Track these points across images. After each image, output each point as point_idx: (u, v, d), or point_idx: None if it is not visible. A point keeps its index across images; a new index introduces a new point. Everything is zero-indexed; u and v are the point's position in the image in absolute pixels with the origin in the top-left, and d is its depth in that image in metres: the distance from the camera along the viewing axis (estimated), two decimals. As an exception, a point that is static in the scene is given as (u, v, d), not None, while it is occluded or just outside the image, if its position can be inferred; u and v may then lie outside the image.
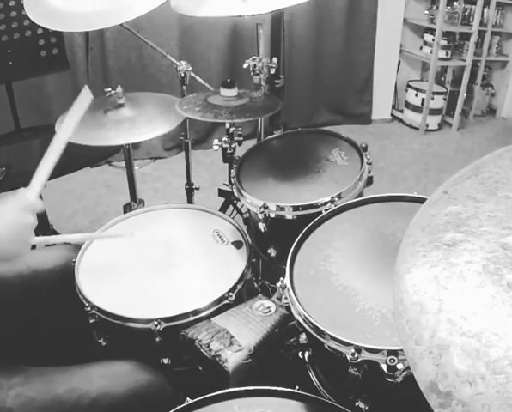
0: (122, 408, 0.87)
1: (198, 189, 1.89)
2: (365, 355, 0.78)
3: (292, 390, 0.79)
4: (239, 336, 0.93)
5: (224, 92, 1.39)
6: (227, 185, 1.54)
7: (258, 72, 1.48)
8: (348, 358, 0.78)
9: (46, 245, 1.26)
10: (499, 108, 4.11)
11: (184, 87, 1.62)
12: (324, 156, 1.38)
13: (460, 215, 0.50)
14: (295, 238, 1.05)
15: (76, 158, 1.80)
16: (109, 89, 1.56)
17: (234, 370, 0.88)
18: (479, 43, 3.76)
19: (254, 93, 1.45)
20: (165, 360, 1.03)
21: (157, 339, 0.99)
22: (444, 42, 3.62)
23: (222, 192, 1.90)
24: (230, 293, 1.04)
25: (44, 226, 1.75)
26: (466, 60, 3.65)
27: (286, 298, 0.94)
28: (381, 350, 0.77)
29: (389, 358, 0.75)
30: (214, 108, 1.33)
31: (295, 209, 1.18)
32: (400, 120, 3.98)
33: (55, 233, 1.86)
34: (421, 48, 3.88)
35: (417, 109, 3.81)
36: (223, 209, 1.88)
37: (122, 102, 1.47)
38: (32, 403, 0.82)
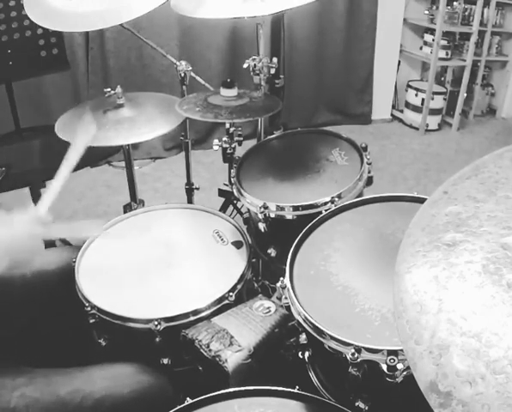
0: (124, 409, 0.88)
1: (198, 189, 1.89)
2: (365, 355, 0.78)
3: (292, 390, 0.79)
4: (239, 336, 0.93)
5: (224, 92, 1.39)
6: (227, 185, 1.54)
7: (258, 72, 1.48)
8: (348, 358, 0.78)
9: (46, 246, 1.26)
10: (499, 108, 4.11)
11: (184, 87, 1.62)
12: (324, 156, 1.38)
13: (460, 215, 0.50)
14: (295, 238, 1.05)
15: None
16: (109, 89, 1.55)
17: (234, 370, 0.88)
18: (479, 43, 3.75)
19: (254, 94, 1.45)
20: (165, 361, 1.03)
21: (157, 339, 0.99)
22: (444, 42, 3.62)
23: (222, 192, 1.90)
24: (230, 294, 1.04)
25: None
26: (466, 60, 3.65)
27: (286, 298, 0.94)
28: (381, 350, 0.77)
29: (389, 358, 0.75)
30: (214, 108, 1.33)
31: (295, 209, 1.18)
32: (400, 120, 3.98)
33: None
34: (421, 48, 3.88)
35: (417, 109, 3.81)
36: (223, 209, 1.88)
37: (122, 102, 1.47)
38: (36, 404, 0.83)
